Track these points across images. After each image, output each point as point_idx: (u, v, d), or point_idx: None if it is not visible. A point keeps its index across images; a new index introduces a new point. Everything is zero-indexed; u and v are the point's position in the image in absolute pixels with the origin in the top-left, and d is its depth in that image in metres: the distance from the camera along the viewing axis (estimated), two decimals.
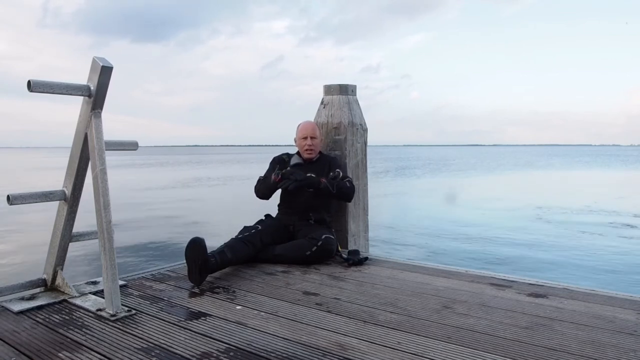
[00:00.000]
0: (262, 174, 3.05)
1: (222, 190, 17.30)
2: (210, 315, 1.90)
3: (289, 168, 2.94)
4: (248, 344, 1.62)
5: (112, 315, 1.86)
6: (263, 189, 2.96)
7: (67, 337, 1.67)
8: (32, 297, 2.06)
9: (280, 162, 3.06)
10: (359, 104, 3.28)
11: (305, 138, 2.99)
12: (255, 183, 3.03)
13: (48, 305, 1.99)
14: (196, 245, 2.34)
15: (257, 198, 3.02)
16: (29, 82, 1.77)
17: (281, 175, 2.84)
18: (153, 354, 1.55)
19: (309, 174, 2.84)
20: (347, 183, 2.92)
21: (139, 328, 1.76)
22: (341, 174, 2.91)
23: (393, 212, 11.53)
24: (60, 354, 1.53)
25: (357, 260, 2.73)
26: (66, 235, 2.13)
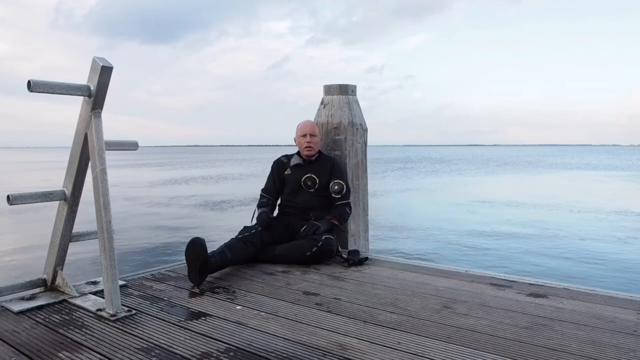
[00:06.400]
0: (264, 186, 3.10)
1: (221, 189, 17.31)
2: (210, 315, 1.90)
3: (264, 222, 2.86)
4: (248, 344, 1.62)
5: (112, 315, 1.86)
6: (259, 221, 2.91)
7: (67, 337, 1.67)
8: (32, 297, 2.06)
9: (279, 165, 3.10)
10: (359, 104, 3.28)
11: (305, 136, 3.00)
12: (259, 198, 3.08)
13: (48, 305, 2.00)
14: (196, 246, 2.34)
15: None
16: (29, 82, 1.77)
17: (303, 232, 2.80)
18: (153, 354, 1.55)
19: (318, 223, 2.83)
20: (348, 209, 3.01)
21: (139, 328, 1.76)
22: (344, 189, 2.96)
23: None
24: (60, 354, 1.53)
25: (357, 260, 2.73)
26: (66, 235, 2.13)
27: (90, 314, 1.90)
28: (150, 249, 7.04)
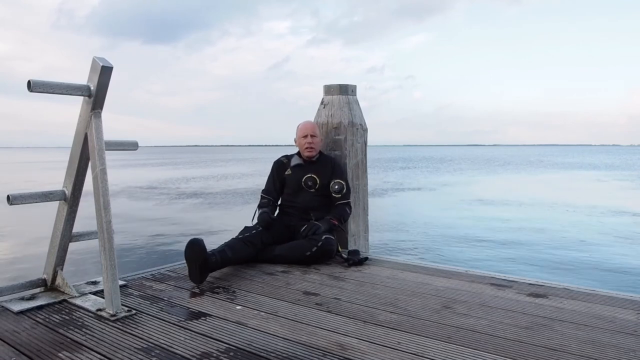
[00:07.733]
0: (264, 187, 3.10)
1: (222, 188, 17.31)
2: (210, 315, 1.90)
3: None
4: (248, 344, 1.62)
5: (112, 315, 1.86)
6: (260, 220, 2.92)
7: (67, 337, 1.67)
8: (32, 297, 2.06)
9: (280, 166, 3.10)
10: (359, 104, 3.28)
11: (306, 137, 3.00)
12: (259, 199, 3.08)
13: (48, 305, 2.00)
14: (195, 246, 2.34)
15: None
16: (29, 82, 1.78)
17: (304, 231, 2.80)
18: (153, 354, 1.55)
19: (318, 223, 2.84)
20: (348, 209, 3.02)
21: (139, 328, 1.76)
22: (344, 188, 2.97)
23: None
24: (60, 354, 1.53)
25: (357, 260, 2.73)
26: (66, 235, 2.13)
27: (90, 314, 1.90)
28: (150, 249, 7.04)
